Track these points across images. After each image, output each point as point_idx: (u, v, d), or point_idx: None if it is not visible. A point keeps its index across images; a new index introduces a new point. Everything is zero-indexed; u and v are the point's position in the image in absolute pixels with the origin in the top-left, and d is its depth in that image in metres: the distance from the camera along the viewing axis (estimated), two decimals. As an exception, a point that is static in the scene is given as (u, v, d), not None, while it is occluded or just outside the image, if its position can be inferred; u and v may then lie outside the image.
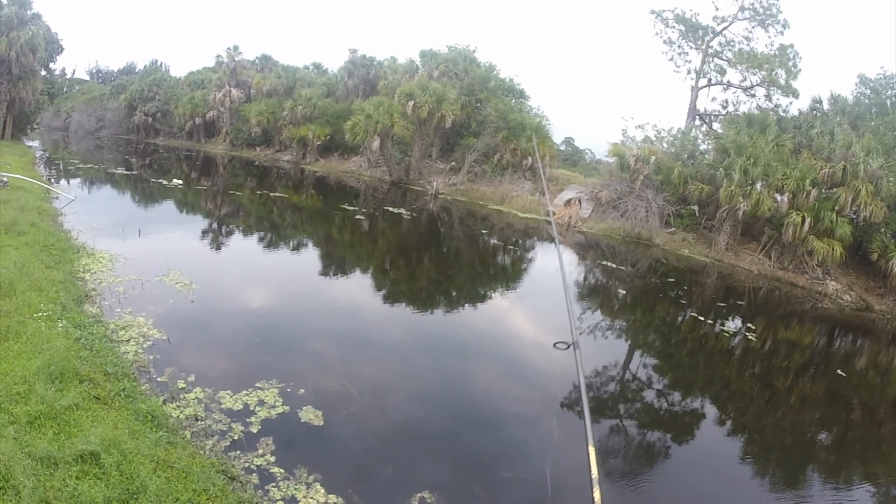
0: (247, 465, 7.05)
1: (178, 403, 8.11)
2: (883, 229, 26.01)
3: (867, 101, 32.48)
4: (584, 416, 5.10)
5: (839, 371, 15.76)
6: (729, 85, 41.89)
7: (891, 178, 25.76)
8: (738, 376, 14.55)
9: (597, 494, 4.26)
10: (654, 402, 11.97)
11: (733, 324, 18.88)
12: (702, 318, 18.32)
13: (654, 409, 11.61)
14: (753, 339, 17.14)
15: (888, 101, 31.17)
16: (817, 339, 19.86)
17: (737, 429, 11.42)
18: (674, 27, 42.29)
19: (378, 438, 8.40)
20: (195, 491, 5.97)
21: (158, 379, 8.73)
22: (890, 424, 13.28)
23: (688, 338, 17.14)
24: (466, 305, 17.11)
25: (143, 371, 8.87)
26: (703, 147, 35.75)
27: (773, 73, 38.70)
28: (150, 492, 5.61)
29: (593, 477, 4.37)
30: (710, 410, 12.11)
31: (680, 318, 18.89)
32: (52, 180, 28.59)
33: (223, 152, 59.58)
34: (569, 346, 6.46)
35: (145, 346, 9.80)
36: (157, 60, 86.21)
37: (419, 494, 7.01)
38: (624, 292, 20.91)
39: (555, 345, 7.44)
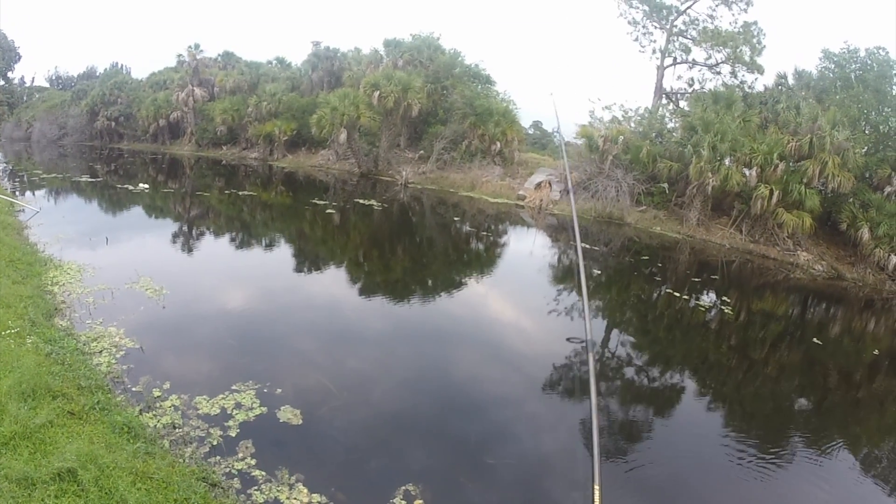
0: (227, 470, 6.98)
1: (154, 412, 8.00)
2: (851, 199, 26.54)
3: (831, 75, 32.85)
4: (593, 446, 4.63)
5: (815, 339, 16.00)
6: (694, 63, 42.22)
7: (857, 150, 26.26)
8: (715, 349, 14.77)
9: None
10: (634, 379, 12.09)
11: (708, 298, 19.08)
12: (677, 294, 18.53)
13: (635, 386, 11.72)
14: (729, 311, 17.36)
15: (852, 75, 31.57)
16: (791, 309, 20.18)
17: (717, 400, 11.58)
18: (637, 7, 42.50)
19: (360, 433, 8.38)
20: (176, 501, 5.91)
21: (133, 389, 8.59)
22: (866, 389, 13.57)
23: (664, 314, 17.30)
24: (443, 293, 17.08)
25: (117, 382, 8.72)
26: (670, 125, 36.06)
27: (738, 51, 39.08)
28: (129, 505, 5.54)
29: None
30: (690, 384, 12.24)
31: (655, 295, 19.06)
32: (17, 193, 27.98)
33: (189, 153, 58.76)
34: (583, 343, 6.24)
35: (118, 356, 9.64)
36: (117, 63, 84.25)
37: (403, 487, 7.01)
38: (598, 272, 21.02)
39: (568, 339, 7.34)
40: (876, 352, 15.91)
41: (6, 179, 34.13)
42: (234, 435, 7.73)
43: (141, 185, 33.88)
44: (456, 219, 29.64)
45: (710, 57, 41.16)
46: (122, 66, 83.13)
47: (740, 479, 8.40)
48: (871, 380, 14.31)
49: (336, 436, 8.20)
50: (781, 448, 9.61)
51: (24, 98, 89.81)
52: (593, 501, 4.32)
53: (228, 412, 8.26)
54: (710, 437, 9.71)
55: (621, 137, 33.17)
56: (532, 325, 15.15)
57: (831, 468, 9.18)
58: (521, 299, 17.38)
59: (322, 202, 30.55)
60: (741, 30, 39.50)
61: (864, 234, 24.66)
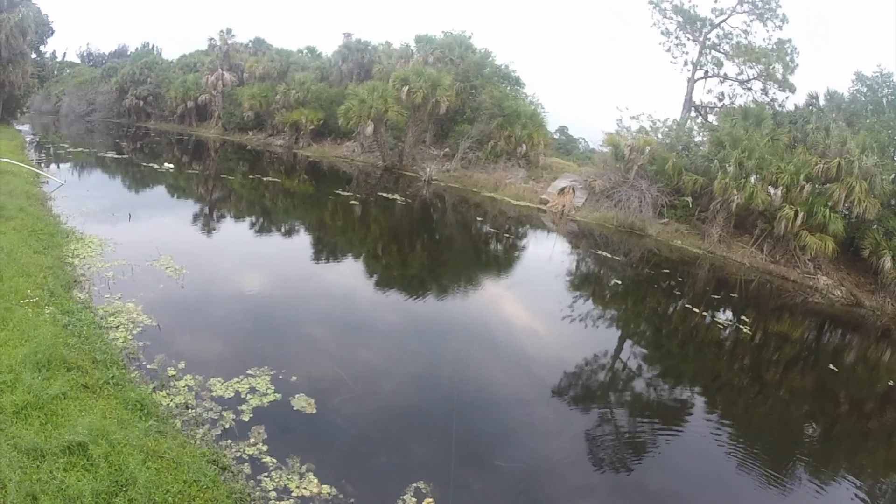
0: (238, 454, 6.97)
1: (168, 391, 8.01)
2: (875, 226, 26.09)
3: (863, 98, 32.42)
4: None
5: (830, 365, 15.77)
6: (725, 77, 41.75)
7: (885, 176, 25.90)
8: (728, 368, 14.58)
9: None
10: (645, 392, 11.95)
11: (725, 316, 18.85)
12: (695, 310, 18.31)
13: (645, 399, 11.59)
14: (746, 331, 17.14)
15: (884, 99, 31.13)
16: (808, 332, 19.90)
17: (725, 420, 11.39)
18: (672, 18, 42.08)
19: (372, 426, 8.35)
20: (185, 482, 5.88)
21: (148, 366, 8.62)
22: (878, 419, 13.33)
23: (680, 328, 17.12)
24: (459, 292, 17.02)
25: (132, 358, 8.75)
26: (698, 139, 35.70)
27: (771, 68, 38.62)
28: (139, 483, 5.51)
29: None
30: (699, 401, 12.09)
31: (672, 309, 18.88)
32: (42, 164, 28.23)
33: (215, 136, 59.08)
34: None
35: (135, 332, 9.68)
36: (148, 43, 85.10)
37: (414, 484, 6.96)
38: (618, 282, 20.86)
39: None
40: (891, 383, 15.63)
41: (33, 151, 34.43)
42: (246, 420, 7.71)
43: (166, 164, 34.14)
44: (478, 219, 29.58)
45: (741, 72, 40.71)
46: (153, 46, 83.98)
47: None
48: (883, 411, 14.05)
49: (348, 427, 8.16)
50: (786, 474, 9.46)
51: (55, 72, 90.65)
52: None
53: (242, 396, 8.25)
54: (714, 457, 9.58)
55: (648, 148, 32.89)
56: (545, 329, 15.04)
57: (835, 498, 9.03)
58: (536, 303, 17.27)
59: (345, 193, 30.62)
60: (775, 47, 39.02)
61: (887, 262, 24.23)
